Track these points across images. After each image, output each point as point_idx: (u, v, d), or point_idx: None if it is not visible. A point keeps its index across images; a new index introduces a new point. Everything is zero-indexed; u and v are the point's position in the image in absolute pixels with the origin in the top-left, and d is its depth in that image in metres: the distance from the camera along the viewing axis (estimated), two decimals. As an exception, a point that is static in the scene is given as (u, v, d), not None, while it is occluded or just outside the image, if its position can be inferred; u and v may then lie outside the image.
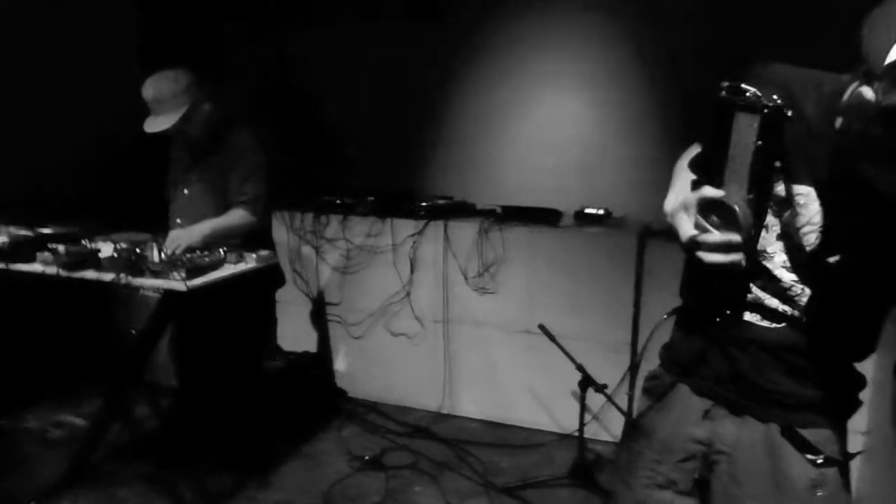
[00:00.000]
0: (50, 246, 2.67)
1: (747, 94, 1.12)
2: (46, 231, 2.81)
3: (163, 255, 2.66)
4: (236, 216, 2.99)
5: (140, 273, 2.59)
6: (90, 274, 2.62)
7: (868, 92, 1.03)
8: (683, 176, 1.39)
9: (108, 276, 2.57)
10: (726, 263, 1.16)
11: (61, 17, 3.90)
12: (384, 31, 4.51)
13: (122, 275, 2.55)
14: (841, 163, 1.16)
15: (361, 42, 4.57)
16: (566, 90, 4.25)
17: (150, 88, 2.85)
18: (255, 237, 3.04)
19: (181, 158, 3.16)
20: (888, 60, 1.00)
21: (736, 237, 1.14)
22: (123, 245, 2.69)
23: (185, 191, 3.12)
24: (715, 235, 1.15)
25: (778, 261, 1.30)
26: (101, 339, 3.23)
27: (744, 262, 1.18)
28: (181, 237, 2.78)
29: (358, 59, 4.58)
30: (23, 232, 2.78)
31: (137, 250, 2.65)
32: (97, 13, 4.12)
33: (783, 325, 1.33)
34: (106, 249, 2.74)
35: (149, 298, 2.87)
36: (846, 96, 1.11)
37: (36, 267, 2.66)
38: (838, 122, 1.15)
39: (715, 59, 3.63)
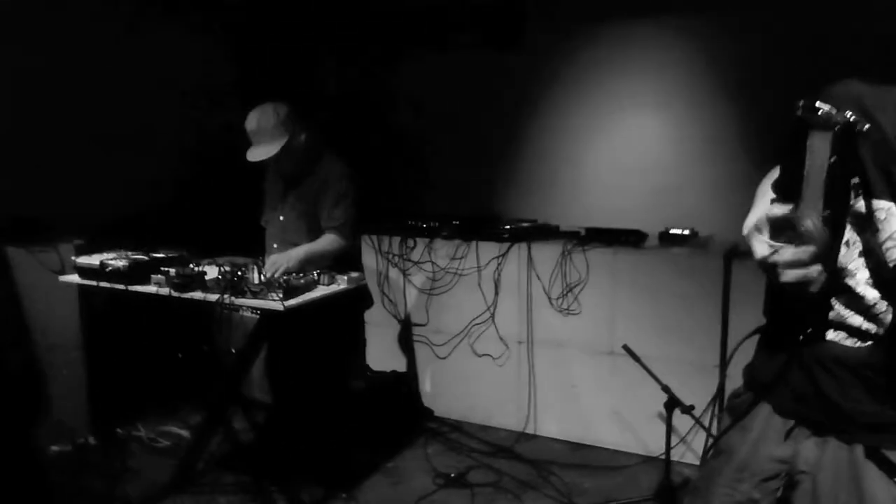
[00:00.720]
0: (162, 269, 2.90)
1: (820, 111, 1.13)
2: (159, 255, 3.05)
3: (262, 277, 2.83)
4: (328, 241, 3.16)
5: (241, 294, 2.77)
6: (198, 294, 2.82)
7: None
8: (763, 198, 1.40)
9: (214, 297, 2.77)
10: (801, 281, 1.17)
11: (166, 50, 4.21)
12: (467, 61, 4.65)
13: (226, 295, 2.74)
14: None
15: (446, 71, 4.72)
16: (646, 110, 4.26)
17: (253, 120, 3.08)
18: (345, 260, 3.20)
19: (276, 186, 3.37)
20: None
21: (808, 253, 1.14)
22: (227, 268, 2.88)
23: (281, 217, 3.32)
24: (787, 252, 1.16)
25: (861, 278, 1.30)
26: (204, 357, 3.45)
27: (821, 279, 1.17)
28: (280, 261, 2.96)
29: (443, 87, 4.73)
30: (139, 256, 3.02)
31: (239, 272, 2.83)
32: (198, 45, 4.44)
33: (867, 343, 1.31)
34: (211, 272, 2.94)
35: (246, 319, 3.05)
36: None
37: (150, 288, 2.89)
38: None
39: (797, 75, 3.59)
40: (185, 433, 3.82)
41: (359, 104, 5.09)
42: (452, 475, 3.46)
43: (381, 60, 4.97)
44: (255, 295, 2.76)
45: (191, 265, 2.99)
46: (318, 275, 2.99)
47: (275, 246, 3.33)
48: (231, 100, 4.37)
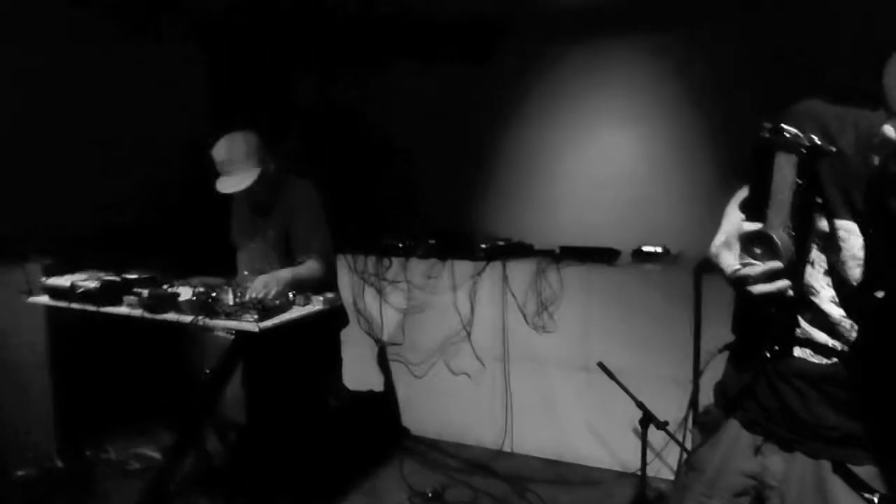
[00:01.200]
0: (134, 290, 2.87)
1: (787, 134, 1.16)
2: (131, 276, 3.02)
3: (238, 298, 2.82)
4: (310, 268, 3.11)
5: (216, 315, 2.75)
6: (171, 315, 2.80)
7: (890, 130, 1.08)
8: (730, 216, 1.43)
9: (187, 318, 2.75)
10: (773, 292, 1.19)
11: (138, 68, 4.20)
12: (440, 74, 4.68)
13: (200, 316, 2.72)
14: (878, 198, 1.20)
15: (417, 85, 4.75)
16: (619, 126, 4.33)
17: (223, 151, 3.01)
18: (321, 282, 3.19)
19: (244, 213, 3.33)
20: None
21: (778, 265, 1.17)
22: (200, 289, 2.87)
23: (252, 244, 3.30)
24: (758, 266, 1.19)
25: (825, 296, 1.33)
26: (176, 377, 3.41)
27: (790, 291, 1.20)
28: (269, 282, 2.91)
29: (414, 102, 4.76)
30: (110, 277, 2.99)
31: (213, 293, 2.81)
32: (171, 64, 4.43)
33: (832, 360, 1.35)
34: (184, 293, 2.92)
35: (220, 339, 3.02)
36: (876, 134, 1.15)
37: (122, 309, 2.86)
38: (875, 159, 1.19)
39: (767, 91, 3.67)
40: (156, 455, 3.76)
41: (333, 118, 5.09)
42: (429, 493, 3.45)
43: (355, 74, 4.98)
44: (229, 316, 2.75)
45: (164, 286, 2.96)
46: (294, 295, 2.97)
47: (245, 273, 3.29)
48: (205, 116, 4.37)
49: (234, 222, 3.42)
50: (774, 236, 1.18)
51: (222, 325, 2.77)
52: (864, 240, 1.26)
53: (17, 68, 3.63)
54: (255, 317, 2.69)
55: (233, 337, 2.88)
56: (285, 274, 3.03)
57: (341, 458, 3.62)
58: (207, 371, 3.03)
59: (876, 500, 1.34)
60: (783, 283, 1.19)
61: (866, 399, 1.35)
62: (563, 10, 4.26)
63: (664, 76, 4.15)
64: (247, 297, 2.81)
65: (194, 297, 2.82)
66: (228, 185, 3.01)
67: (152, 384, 3.40)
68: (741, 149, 3.67)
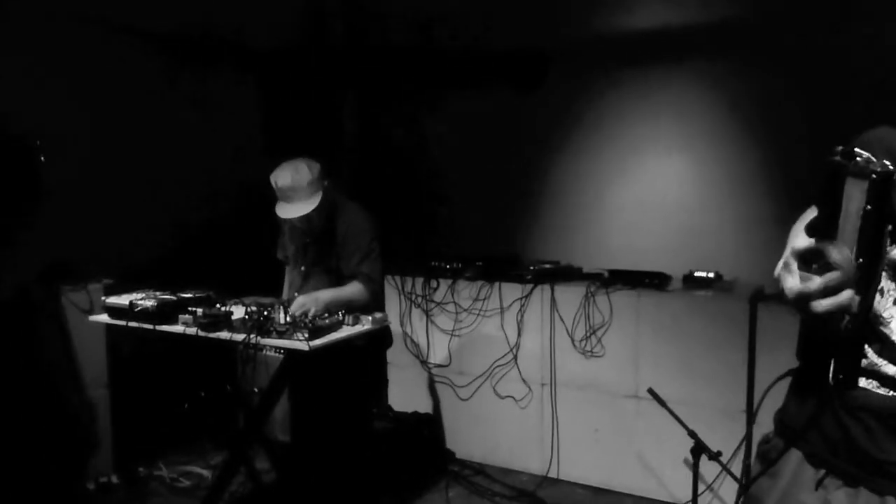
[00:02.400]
0: (189, 308, 2.94)
1: (858, 159, 1.13)
2: (186, 295, 3.09)
3: (288, 317, 2.86)
4: (354, 290, 3.16)
5: (267, 334, 2.79)
6: (224, 334, 2.85)
7: None
8: (795, 240, 1.40)
9: (240, 336, 2.80)
10: (834, 309, 1.15)
11: (192, 103, 4.38)
12: (490, 104, 4.72)
13: (252, 335, 2.77)
14: None
15: (467, 115, 4.79)
16: (668, 152, 4.28)
17: (287, 177, 3.06)
18: (369, 304, 3.21)
19: (295, 238, 3.38)
20: None
21: (837, 279, 1.13)
22: (253, 308, 2.92)
23: (303, 268, 3.35)
24: (817, 281, 1.15)
25: (895, 327, 1.30)
26: (228, 396, 3.47)
27: (853, 309, 1.15)
28: (307, 303, 2.97)
29: (467, 130, 4.81)
30: (166, 296, 3.06)
31: (266, 312, 2.86)
32: (228, 92, 4.57)
33: None
34: (237, 312, 2.98)
35: (269, 358, 3.07)
36: None
37: (178, 328, 2.93)
38: None
39: (819, 118, 3.61)
40: (206, 473, 3.82)
41: (384, 146, 5.17)
42: (474, 520, 3.42)
43: (406, 104, 5.06)
44: (280, 335, 2.79)
45: (217, 305, 3.02)
46: (343, 315, 3.01)
47: (296, 295, 3.35)
48: (257, 148, 4.50)
49: (283, 241, 3.48)
50: (830, 248, 1.14)
51: (274, 344, 2.81)
52: None
53: (84, 104, 3.82)
54: (306, 335, 2.73)
55: (282, 356, 2.92)
56: (326, 295, 3.07)
57: (386, 480, 3.61)
58: (257, 390, 3.07)
59: None
60: (846, 296, 1.14)
61: None
62: (613, 38, 4.25)
63: (715, 104, 4.10)
64: (287, 317, 2.86)
65: (247, 316, 2.87)
66: (291, 210, 3.08)
67: (204, 403, 3.45)
68: (793, 178, 3.65)
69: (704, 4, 3.88)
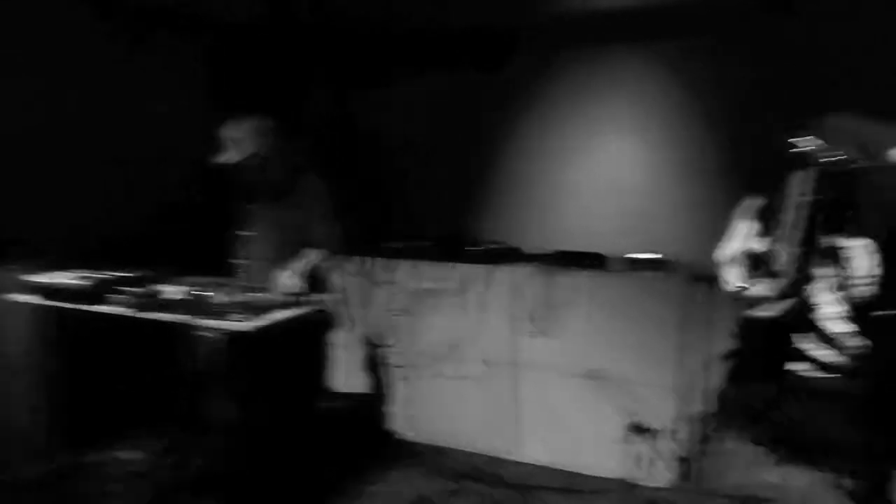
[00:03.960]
0: (125, 289, 2.81)
1: (808, 148, 1.14)
2: (122, 274, 2.96)
3: (230, 296, 2.77)
4: (319, 257, 3.15)
5: (207, 315, 2.70)
6: (161, 315, 2.74)
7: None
8: (739, 227, 1.41)
9: (178, 318, 2.69)
10: (769, 317, 1.18)
11: (134, 70, 4.18)
12: (448, 83, 4.65)
13: (191, 316, 2.66)
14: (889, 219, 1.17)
15: (426, 93, 4.73)
16: (623, 135, 4.30)
17: (227, 128, 3.07)
18: (317, 280, 3.14)
19: (250, 202, 3.32)
20: None
21: (778, 288, 1.15)
22: (191, 288, 2.81)
23: (255, 231, 3.27)
24: (759, 287, 1.17)
25: (830, 312, 1.31)
26: (165, 379, 3.36)
27: (786, 317, 1.18)
28: (293, 278, 2.95)
29: (423, 109, 4.75)
30: (101, 275, 2.93)
31: (204, 293, 2.76)
32: (174, 72, 4.40)
33: (834, 374, 1.33)
34: (174, 292, 2.87)
35: (210, 339, 2.98)
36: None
37: (113, 308, 2.80)
38: None
39: (773, 103, 3.65)
40: (142, 458, 3.69)
41: (339, 126, 5.06)
42: (434, 501, 3.37)
43: (362, 84, 4.96)
44: (221, 316, 2.69)
45: (153, 285, 2.90)
46: (288, 295, 2.92)
47: (244, 262, 3.29)
48: (209, 122, 4.34)
49: (239, 212, 3.40)
50: (778, 261, 1.15)
51: (213, 325, 2.71)
52: (875, 258, 1.24)
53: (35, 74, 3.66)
54: (248, 316, 2.64)
55: (223, 337, 2.82)
56: (302, 266, 3.05)
57: (336, 463, 3.55)
58: (196, 372, 2.98)
59: None
60: (779, 308, 1.17)
61: (868, 412, 1.32)
62: (573, 19, 4.21)
63: (669, 87, 4.12)
64: (275, 293, 2.87)
65: (184, 297, 2.77)
66: (224, 156, 3.04)
67: (140, 386, 3.34)
68: (745, 161, 3.69)
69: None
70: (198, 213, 4.07)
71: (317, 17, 4.36)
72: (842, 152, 1.12)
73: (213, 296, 2.76)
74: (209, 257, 3.34)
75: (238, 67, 4.70)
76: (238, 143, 3.05)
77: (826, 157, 1.11)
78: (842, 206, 1.24)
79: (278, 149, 3.13)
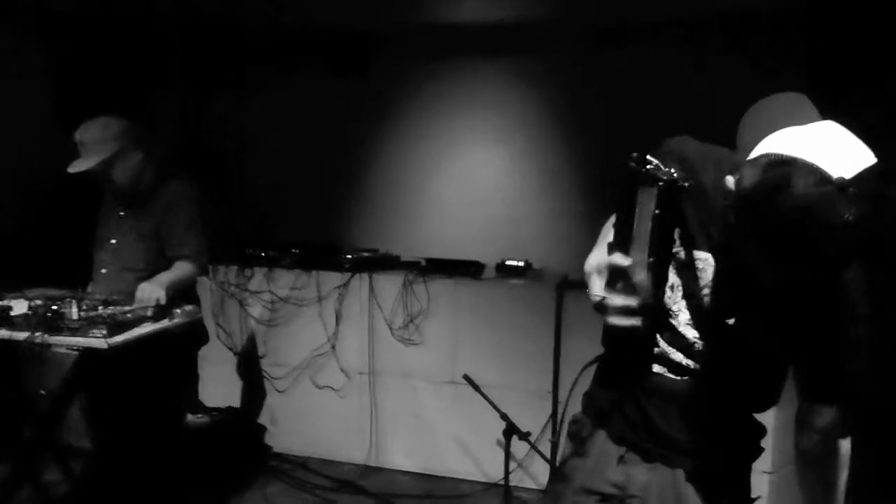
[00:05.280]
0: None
1: (649, 166, 1.23)
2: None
3: (84, 311, 2.59)
4: (185, 269, 3.01)
5: (57, 331, 2.51)
6: (2, 332, 2.52)
7: (730, 181, 1.16)
8: (605, 238, 1.49)
9: (22, 335, 2.49)
10: (626, 327, 1.27)
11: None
12: (309, 87, 4.60)
13: (38, 333, 2.47)
14: (727, 234, 1.28)
15: (285, 97, 4.64)
16: (486, 144, 4.43)
17: (79, 132, 2.87)
18: (182, 292, 3.01)
19: (112, 209, 3.14)
20: (750, 157, 1.14)
21: (635, 303, 1.24)
22: (38, 301, 2.61)
23: (113, 241, 3.09)
24: (617, 300, 1.26)
25: (682, 319, 1.42)
26: (8, 401, 3.10)
27: (642, 327, 1.27)
28: (155, 290, 2.77)
29: (281, 113, 4.66)
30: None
31: (54, 307, 2.57)
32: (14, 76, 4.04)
33: (687, 377, 1.43)
34: (19, 307, 2.65)
35: (61, 356, 2.77)
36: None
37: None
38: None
39: (626, 119, 3.92)
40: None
41: (195, 129, 4.86)
42: (293, 515, 3.33)
43: (219, 85, 4.79)
44: (74, 332, 2.52)
45: (-4, 299, 2.67)
46: (149, 309, 2.77)
47: (103, 272, 3.09)
48: (53, 122, 4.01)
49: (100, 221, 3.19)
50: (637, 271, 1.24)
51: (66, 343, 2.53)
52: (716, 270, 1.35)
53: None
54: (104, 332, 2.48)
55: (76, 353, 2.63)
56: (165, 278, 2.89)
57: (200, 481, 3.41)
58: (44, 392, 2.76)
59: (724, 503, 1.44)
60: (634, 321, 1.25)
61: (716, 414, 1.44)
62: (434, 30, 4.30)
63: (530, 101, 4.31)
64: (134, 308, 2.70)
65: (31, 312, 2.56)
66: (76, 165, 2.85)
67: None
68: (598, 175, 3.93)
69: (520, 2, 4.03)
70: (51, 224, 3.78)
71: (173, 11, 4.16)
72: (669, 171, 1.22)
73: (66, 310, 2.57)
74: (65, 268, 3.12)
75: (89, 64, 4.40)
76: (90, 147, 2.86)
77: (658, 175, 1.21)
78: (678, 221, 1.35)
79: (136, 152, 2.96)
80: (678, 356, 1.43)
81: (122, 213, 3.09)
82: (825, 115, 1.22)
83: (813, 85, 3.15)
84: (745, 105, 1.49)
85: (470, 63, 4.39)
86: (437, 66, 4.43)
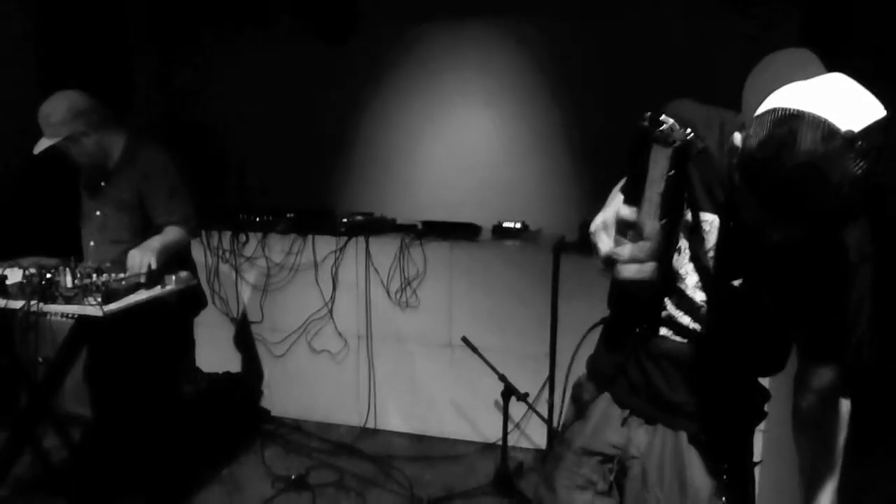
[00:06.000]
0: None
1: (663, 126, 1.20)
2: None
3: (78, 279, 2.57)
4: (177, 235, 2.98)
5: (52, 299, 2.49)
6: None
7: (737, 138, 1.14)
8: (613, 202, 1.47)
9: (18, 304, 2.47)
10: (637, 277, 1.24)
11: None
12: (295, 53, 4.51)
13: (33, 302, 2.45)
14: (732, 193, 1.27)
15: (273, 64, 4.56)
16: (477, 107, 4.37)
17: (41, 109, 2.82)
18: (174, 258, 2.99)
19: (91, 181, 3.09)
20: (756, 113, 1.12)
21: (645, 250, 1.21)
22: (32, 270, 2.59)
23: (97, 212, 3.05)
24: (627, 249, 1.23)
25: (690, 282, 1.40)
26: (6, 369, 3.09)
27: (654, 277, 1.25)
28: (146, 256, 2.74)
29: (270, 80, 4.59)
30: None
31: (48, 275, 2.55)
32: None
33: (693, 341, 1.43)
34: (13, 275, 2.62)
35: (56, 324, 2.76)
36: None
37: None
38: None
39: (617, 81, 3.87)
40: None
41: (181, 95, 4.79)
42: (292, 478, 3.36)
43: (204, 50, 4.70)
44: (68, 300, 2.50)
45: (-10, 268, 2.64)
46: (141, 276, 2.76)
47: (91, 244, 3.06)
48: (35, 89, 3.92)
49: (83, 192, 3.15)
50: (646, 221, 1.22)
51: (61, 310, 2.51)
52: (722, 232, 1.33)
53: None
54: (99, 300, 2.47)
55: (73, 321, 2.63)
56: (155, 243, 2.86)
57: (197, 446, 3.44)
58: (42, 360, 2.75)
59: (724, 468, 1.45)
60: (648, 268, 1.23)
61: (721, 378, 1.44)
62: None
63: (521, 62, 4.24)
64: (127, 275, 2.67)
65: (25, 281, 2.54)
66: (39, 144, 2.81)
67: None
68: (590, 137, 3.88)
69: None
70: (38, 193, 3.73)
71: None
72: (684, 131, 1.19)
73: (60, 279, 2.55)
74: (55, 238, 3.09)
75: (70, 29, 4.29)
76: (48, 128, 2.80)
77: (672, 136, 1.19)
78: (688, 183, 1.33)
79: (91, 135, 2.89)
80: (686, 319, 1.42)
81: (102, 184, 3.05)
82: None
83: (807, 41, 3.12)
84: (741, 65, 1.45)
85: (458, 24, 4.31)
86: (426, 28, 4.35)
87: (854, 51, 3.34)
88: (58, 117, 2.80)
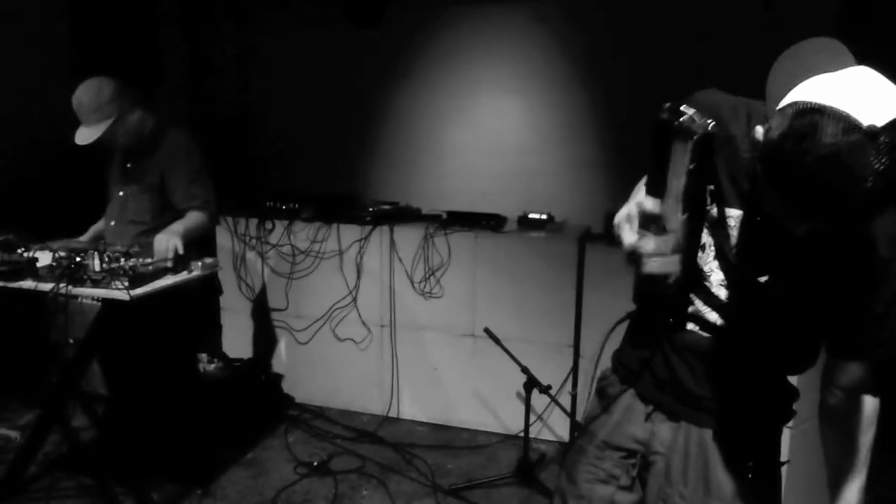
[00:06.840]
0: (-13, 254, 2.59)
1: (683, 118, 1.17)
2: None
3: (106, 263, 2.61)
4: (198, 219, 3.02)
5: (81, 282, 2.53)
6: (28, 283, 2.55)
7: (759, 131, 1.11)
8: (638, 194, 1.44)
9: (47, 286, 2.51)
10: (661, 271, 1.22)
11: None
12: (325, 37, 4.52)
13: (62, 284, 2.49)
14: (755, 187, 1.24)
15: (302, 47, 4.57)
16: (504, 94, 4.34)
17: (76, 100, 2.86)
18: (198, 243, 3.02)
19: (119, 162, 3.15)
20: (779, 106, 1.09)
21: (669, 243, 1.19)
22: (62, 253, 2.63)
23: (120, 192, 3.11)
24: (651, 242, 1.21)
25: (715, 279, 1.38)
26: (37, 350, 3.15)
27: (677, 272, 1.22)
28: (172, 239, 2.78)
29: (299, 64, 4.60)
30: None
31: (77, 259, 2.59)
32: (27, 22, 3.99)
33: (720, 337, 1.40)
34: (43, 258, 2.67)
35: (86, 307, 2.80)
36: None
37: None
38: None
39: (645, 69, 3.81)
40: (14, 434, 3.47)
41: (212, 79, 4.83)
42: (315, 464, 3.39)
43: (233, 37, 4.73)
44: (96, 283, 2.54)
45: (20, 251, 2.68)
46: (168, 260, 2.79)
47: (112, 224, 3.13)
48: (66, 74, 3.97)
49: (111, 174, 3.21)
50: (670, 214, 1.19)
51: (89, 294, 2.55)
52: (748, 227, 1.30)
53: None
54: (126, 284, 2.50)
55: (100, 304, 2.66)
56: (179, 227, 2.90)
57: (221, 429, 3.48)
58: (72, 342, 2.80)
59: (749, 466, 1.42)
60: (672, 261, 1.21)
61: (749, 375, 1.42)
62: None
63: (549, 49, 4.19)
64: (154, 260, 2.72)
65: (55, 263, 2.59)
66: (82, 136, 2.85)
67: (9, 357, 3.10)
68: (618, 126, 3.83)
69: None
70: (54, 172, 3.78)
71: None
72: (705, 122, 1.16)
73: (89, 262, 2.59)
74: (83, 219, 3.14)
75: (91, 9, 4.34)
76: (89, 116, 2.84)
77: (693, 128, 1.16)
78: (711, 176, 1.30)
79: (133, 111, 2.95)
80: (713, 315, 1.40)
81: (128, 166, 3.10)
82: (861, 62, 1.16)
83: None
84: (768, 52, 1.41)
85: (487, 10, 4.27)
86: (455, 11, 4.32)
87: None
88: (105, 97, 2.84)
